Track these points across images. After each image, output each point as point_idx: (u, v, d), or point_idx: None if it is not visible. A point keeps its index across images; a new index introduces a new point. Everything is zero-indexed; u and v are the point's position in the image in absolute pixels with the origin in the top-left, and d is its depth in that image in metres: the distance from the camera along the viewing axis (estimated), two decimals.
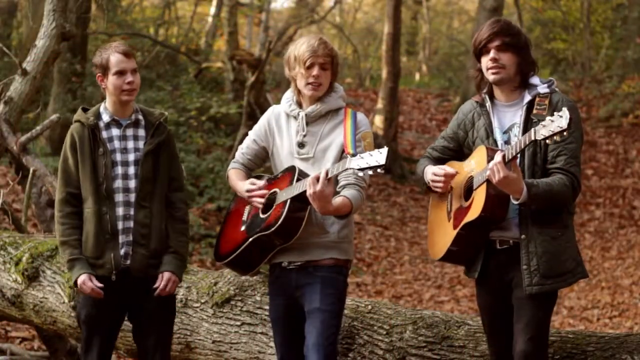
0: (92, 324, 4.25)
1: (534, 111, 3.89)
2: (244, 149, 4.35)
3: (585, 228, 13.19)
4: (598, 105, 18.43)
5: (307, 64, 4.07)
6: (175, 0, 20.37)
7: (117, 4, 16.59)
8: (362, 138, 4.11)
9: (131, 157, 4.25)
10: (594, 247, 12.40)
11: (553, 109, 3.83)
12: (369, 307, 4.64)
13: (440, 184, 4.01)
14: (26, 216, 6.47)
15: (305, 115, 4.16)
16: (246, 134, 4.42)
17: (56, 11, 6.63)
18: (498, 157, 3.70)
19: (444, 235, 4.05)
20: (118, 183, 4.22)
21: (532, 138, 3.61)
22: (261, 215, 4.14)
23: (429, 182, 4.09)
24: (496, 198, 3.80)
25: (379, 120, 15.75)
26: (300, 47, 4.10)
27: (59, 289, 5.11)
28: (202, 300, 4.86)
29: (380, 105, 16.05)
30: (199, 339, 4.83)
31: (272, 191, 4.16)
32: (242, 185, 4.22)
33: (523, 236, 3.86)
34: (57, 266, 5.20)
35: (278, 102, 4.34)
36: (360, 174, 3.79)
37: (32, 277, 5.21)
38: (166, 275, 4.21)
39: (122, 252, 4.20)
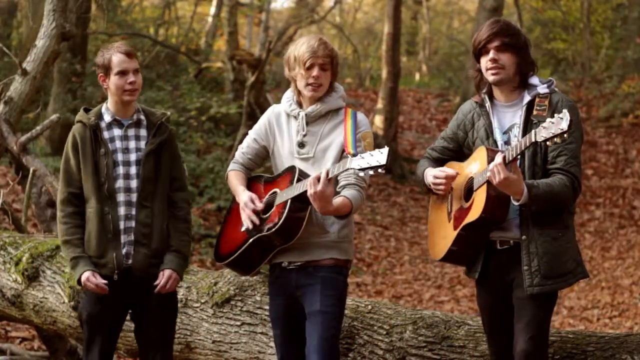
0: (93, 323, 4.26)
1: (534, 112, 3.89)
2: (244, 149, 4.34)
3: (585, 228, 13.19)
4: (598, 105, 18.43)
5: (307, 64, 4.07)
6: (175, 0, 20.37)
7: (117, 4, 16.59)
8: (362, 138, 4.10)
9: (133, 157, 4.26)
10: (594, 247, 12.40)
11: (553, 109, 3.83)
12: (369, 307, 4.64)
13: (442, 187, 4.01)
14: (26, 216, 6.47)
15: (306, 115, 4.16)
16: (246, 134, 4.42)
17: (56, 11, 6.63)
18: (498, 158, 3.70)
19: (444, 235, 4.05)
20: (120, 183, 4.22)
21: (533, 140, 3.61)
22: (261, 216, 4.14)
23: (429, 185, 4.09)
24: (496, 199, 3.80)
25: (379, 120, 15.75)
26: (300, 47, 4.10)
27: (59, 289, 5.11)
28: (202, 300, 4.86)
29: (380, 105, 16.05)
30: (199, 339, 4.83)
31: (272, 191, 4.16)
32: (242, 194, 4.21)
33: (524, 237, 3.86)
34: (57, 266, 5.20)
35: (278, 102, 4.33)
36: (361, 174, 3.78)
37: (32, 277, 5.21)
38: (167, 272, 4.22)
39: (123, 251, 4.20)
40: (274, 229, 4.01)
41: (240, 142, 4.41)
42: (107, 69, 4.24)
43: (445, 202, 4.09)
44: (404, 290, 10.92)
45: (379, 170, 3.72)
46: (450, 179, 3.99)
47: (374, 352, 4.46)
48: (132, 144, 4.28)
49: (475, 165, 3.94)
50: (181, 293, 4.88)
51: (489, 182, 3.77)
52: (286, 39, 19.94)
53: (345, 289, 4.14)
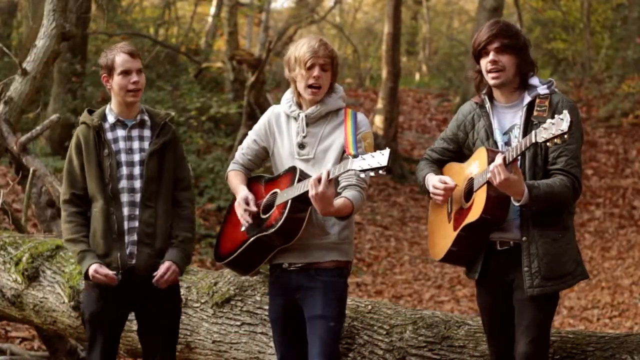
0: (96, 322, 4.26)
1: (534, 113, 3.89)
2: (244, 149, 4.34)
3: (585, 228, 13.19)
4: (598, 105, 18.43)
5: (308, 64, 4.06)
6: (175, 0, 20.37)
7: (117, 4, 16.59)
8: (363, 138, 4.10)
9: (136, 157, 4.27)
10: (594, 247, 12.40)
11: (553, 110, 3.83)
12: (369, 307, 4.64)
13: (440, 197, 4.01)
14: (26, 216, 6.47)
15: (305, 116, 4.16)
16: (246, 134, 4.42)
17: (56, 11, 6.64)
18: (499, 159, 3.70)
19: (444, 236, 4.05)
20: (123, 183, 4.23)
21: (533, 141, 3.61)
22: (262, 216, 4.14)
23: (429, 192, 4.09)
24: (496, 199, 3.80)
25: (379, 120, 15.75)
26: (301, 48, 4.10)
27: (59, 289, 5.11)
28: (202, 300, 4.86)
29: (380, 105, 16.05)
30: (199, 339, 4.83)
31: (272, 192, 4.15)
32: (240, 192, 4.21)
33: (524, 238, 3.86)
34: (57, 266, 5.20)
35: (278, 102, 4.33)
36: (362, 175, 3.78)
37: (32, 277, 5.21)
38: (166, 264, 4.21)
39: (127, 251, 4.21)
40: (274, 229, 4.01)
41: (240, 142, 4.42)
42: (110, 69, 4.25)
43: (446, 202, 4.09)
44: (404, 290, 10.92)
45: (380, 171, 3.72)
46: (448, 190, 3.99)
47: (374, 352, 4.46)
48: (135, 145, 4.28)
49: (476, 166, 3.94)
50: (181, 293, 4.87)
51: (489, 183, 3.77)
52: (286, 39, 19.95)
53: (345, 290, 4.14)
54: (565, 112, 3.55)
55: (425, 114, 19.68)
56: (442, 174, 4.14)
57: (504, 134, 3.98)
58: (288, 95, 4.26)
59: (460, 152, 4.13)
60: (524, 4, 21.15)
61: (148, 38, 16.70)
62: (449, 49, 25.10)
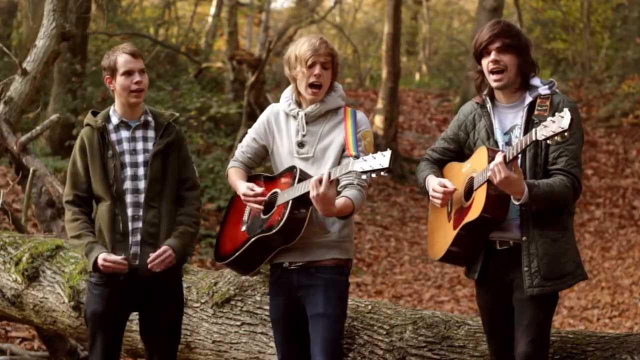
0: (97, 322, 4.26)
1: (535, 112, 3.89)
2: (244, 147, 4.34)
3: (585, 228, 13.19)
4: (598, 105, 18.43)
5: (309, 62, 4.06)
6: (175, 0, 20.37)
7: (117, 4, 16.59)
8: (363, 137, 4.10)
9: (140, 158, 4.27)
10: (594, 247, 12.40)
11: (554, 110, 3.82)
12: (369, 307, 4.64)
13: (439, 201, 4.01)
14: (26, 216, 6.47)
15: (305, 114, 4.15)
16: (246, 134, 4.42)
17: (56, 11, 6.64)
18: (499, 157, 3.70)
19: (444, 235, 4.05)
20: (127, 184, 4.24)
21: (533, 138, 3.61)
22: (262, 216, 4.13)
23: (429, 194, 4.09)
24: (496, 198, 3.80)
25: (379, 120, 15.75)
26: (302, 46, 4.10)
27: (59, 289, 5.11)
28: (202, 300, 4.86)
29: (380, 105, 16.05)
30: (199, 339, 4.83)
31: (272, 192, 4.15)
32: (241, 186, 4.22)
33: (524, 238, 3.86)
34: (57, 266, 5.20)
35: (278, 101, 4.33)
36: (364, 176, 3.78)
37: (32, 277, 5.21)
38: (163, 247, 4.19)
39: (131, 252, 4.21)
40: (275, 230, 4.00)
41: (240, 142, 4.41)
42: (113, 70, 4.25)
43: (445, 206, 4.08)
44: (404, 290, 10.92)
45: (382, 173, 3.72)
46: (447, 194, 3.99)
47: (374, 352, 4.46)
48: (139, 146, 4.29)
49: (476, 165, 3.93)
50: None
51: (489, 182, 3.77)
52: (286, 39, 19.96)
53: (346, 288, 4.15)
54: (566, 109, 3.55)
55: (425, 114, 19.68)
56: (442, 174, 4.14)
57: (505, 134, 3.98)
58: (287, 94, 4.26)
59: (461, 152, 4.13)
60: (524, 4, 21.15)
61: (148, 38, 16.70)
62: (449, 49, 25.11)
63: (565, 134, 3.52)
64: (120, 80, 4.24)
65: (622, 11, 20.15)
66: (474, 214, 3.85)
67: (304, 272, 4.09)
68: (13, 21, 16.56)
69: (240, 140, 4.42)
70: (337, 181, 4.04)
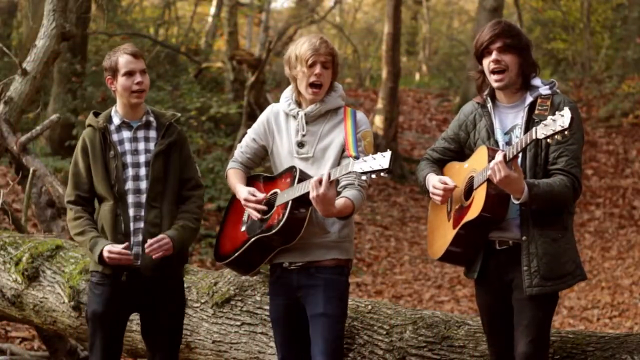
0: (98, 322, 4.26)
1: (536, 112, 3.89)
2: (243, 148, 4.34)
3: (585, 228, 13.19)
4: (598, 105, 18.43)
5: (310, 62, 4.06)
6: (175, 0, 20.37)
7: (117, 4, 16.59)
8: (362, 137, 4.10)
9: (142, 158, 4.27)
10: (594, 247, 12.40)
11: (555, 110, 3.82)
12: (369, 307, 4.64)
13: (439, 198, 4.01)
14: (26, 216, 6.47)
15: (305, 114, 4.15)
16: (246, 134, 4.42)
17: (56, 11, 6.64)
18: (499, 156, 3.70)
19: (443, 234, 4.05)
20: (129, 185, 4.24)
21: (534, 137, 3.61)
22: (262, 217, 4.13)
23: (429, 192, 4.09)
24: (496, 197, 3.80)
25: (379, 120, 15.75)
26: (302, 46, 4.10)
27: (59, 289, 5.11)
28: (202, 300, 4.86)
29: (380, 105, 16.05)
30: (199, 339, 4.83)
31: (272, 192, 4.15)
32: (241, 190, 4.21)
33: (524, 237, 3.86)
34: (57, 266, 5.20)
35: (278, 102, 4.33)
36: (364, 177, 3.78)
37: (32, 277, 5.21)
38: (160, 235, 4.18)
39: (133, 252, 4.21)
40: (275, 230, 4.00)
41: (240, 142, 4.41)
42: (114, 71, 4.26)
43: (445, 203, 4.09)
44: (404, 290, 10.92)
45: (382, 174, 3.72)
46: (448, 191, 3.99)
47: (374, 352, 4.46)
48: (141, 146, 4.29)
49: (476, 165, 3.94)
50: None
51: (489, 181, 3.77)
52: (286, 39, 19.96)
53: (346, 288, 4.15)
54: (566, 108, 3.55)
55: (425, 114, 19.69)
56: (442, 173, 4.14)
57: (506, 133, 3.98)
58: (287, 94, 4.25)
59: (461, 152, 4.13)
60: (524, 4, 21.15)
61: (148, 38, 16.70)
62: (449, 49, 25.12)
63: (566, 132, 3.52)
64: (121, 80, 4.24)
65: (622, 11, 20.15)
66: (473, 213, 3.85)
67: (304, 272, 4.09)
68: (13, 21, 16.57)
69: (240, 140, 4.42)
70: (337, 181, 4.04)
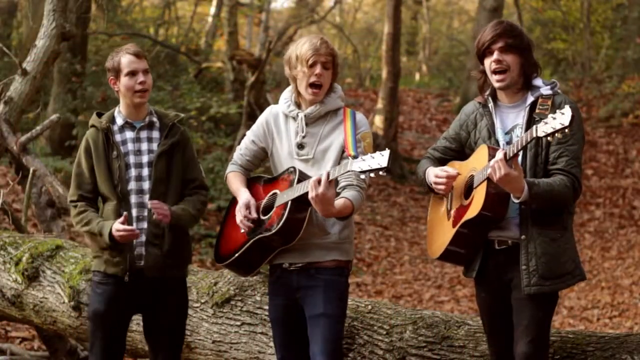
0: (98, 321, 4.26)
1: (537, 111, 3.89)
2: (243, 150, 4.33)
3: (585, 228, 13.19)
4: (598, 105, 18.43)
5: (310, 62, 4.06)
6: (175, 0, 20.37)
7: (117, 4, 16.59)
8: (362, 138, 4.10)
9: (145, 158, 4.27)
10: (594, 247, 12.40)
11: (555, 110, 3.82)
12: (369, 307, 4.64)
13: (442, 186, 4.00)
14: (26, 216, 6.47)
15: (305, 116, 4.15)
16: (245, 136, 4.42)
17: (56, 11, 6.64)
18: (499, 154, 3.70)
19: (443, 233, 4.05)
20: (132, 185, 4.24)
21: (534, 135, 3.61)
22: (261, 217, 4.13)
23: (430, 184, 4.08)
24: (496, 196, 3.80)
25: (379, 120, 15.75)
26: (303, 46, 4.10)
27: (59, 289, 5.11)
28: (202, 300, 4.86)
29: (380, 105, 16.05)
30: (199, 339, 4.83)
31: (272, 192, 4.15)
32: (242, 196, 4.19)
33: (523, 236, 3.86)
34: (57, 266, 5.20)
35: (278, 102, 4.33)
36: (362, 176, 3.78)
37: (32, 277, 5.21)
38: (165, 204, 4.17)
39: (135, 252, 4.21)
40: (274, 231, 4.00)
41: (240, 142, 4.41)
42: (117, 71, 4.26)
43: (445, 200, 4.09)
44: (404, 290, 10.92)
45: (380, 172, 3.72)
46: (451, 178, 3.98)
47: (374, 352, 4.46)
48: (144, 146, 4.29)
49: (476, 163, 3.94)
50: None
51: (489, 179, 3.77)
52: (286, 39, 19.97)
53: (346, 289, 4.14)
54: (567, 107, 3.55)
55: (425, 114, 19.68)
56: None
57: (506, 133, 3.98)
58: (286, 95, 4.25)
59: (462, 151, 4.13)
60: (524, 4, 21.16)
61: (148, 38, 16.70)
62: (449, 49, 25.13)
63: (566, 130, 3.52)
64: (124, 80, 4.24)
65: (622, 11, 20.16)
66: (473, 211, 3.85)
67: (304, 273, 4.09)
68: (13, 21, 16.56)
69: (240, 141, 4.41)
70: (336, 182, 4.04)
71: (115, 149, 4.26)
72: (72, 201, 4.32)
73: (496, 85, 3.95)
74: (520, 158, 3.83)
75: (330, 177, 3.85)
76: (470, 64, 16.96)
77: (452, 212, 4.01)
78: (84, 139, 4.34)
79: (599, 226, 13.31)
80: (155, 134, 4.32)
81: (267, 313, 4.53)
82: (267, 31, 21.40)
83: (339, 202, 3.94)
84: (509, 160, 3.70)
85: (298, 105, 4.20)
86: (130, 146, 4.28)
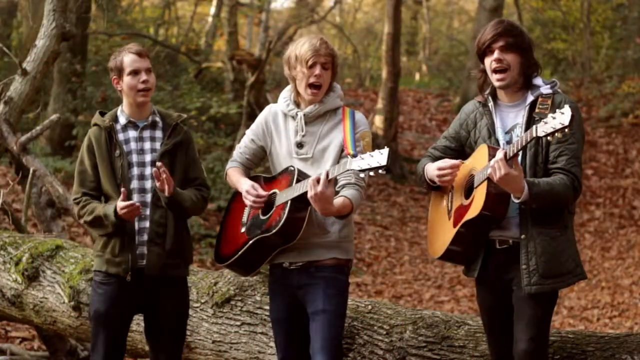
0: (99, 321, 4.26)
1: (536, 110, 3.89)
2: (242, 149, 4.34)
3: (585, 228, 13.19)
4: (598, 105, 18.43)
5: (310, 63, 4.06)
6: (175, 0, 20.37)
7: (117, 4, 16.58)
8: (361, 137, 4.10)
9: (147, 158, 4.28)
10: (594, 247, 12.40)
11: (555, 109, 3.82)
12: (369, 307, 4.64)
13: (448, 177, 3.99)
14: (26, 216, 6.47)
15: (304, 115, 4.15)
16: (244, 135, 4.42)
17: (56, 11, 6.64)
18: (500, 154, 3.70)
19: (443, 233, 4.05)
20: (134, 184, 4.24)
21: (534, 135, 3.61)
22: (261, 217, 4.13)
23: (432, 179, 4.07)
24: (497, 196, 3.80)
25: (379, 120, 15.75)
26: (302, 46, 4.10)
27: (59, 289, 5.11)
28: (202, 300, 4.86)
29: (380, 105, 16.05)
30: (199, 339, 4.83)
31: (271, 192, 4.15)
32: (243, 183, 4.20)
33: (523, 236, 3.86)
34: (57, 266, 5.20)
35: (277, 102, 4.32)
36: (362, 175, 3.78)
37: (32, 277, 5.21)
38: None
39: (137, 252, 4.21)
40: (274, 230, 4.00)
41: (240, 142, 4.41)
42: (120, 70, 4.26)
43: (446, 200, 4.09)
44: (404, 290, 10.92)
45: (380, 171, 3.71)
46: (455, 168, 3.97)
47: (374, 352, 4.46)
48: (147, 145, 4.29)
49: (476, 163, 3.93)
50: None
51: (489, 179, 3.77)
52: (286, 39, 19.94)
53: (346, 288, 4.15)
54: (567, 106, 3.55)
55: (425, 114, 19.68)
56: None
57: (506, 132, 3.97)
58: (286, 94, 4.25)
59: (462, 150, 4.13)
60: (524, 4, 21.16)
61: (148, 38, 16.69)
62: (449, 49, 25.12)
63: (566, 130, 3.52)
64: (127, 80, 4.25)
65: (622, 11, 20.16)
66: (474, 211, 3.85)
67: (304, 272, 4.09)
68: (13, 21, 16.56)
69: (240, 141, 4.42)
70: (336, 181, 4.04)
71: (118, 147, 4.26)
72: (75, 199, 4.32)
73: (496, 84, 3.95)
74: (520, 157, 3.83)
75: (330, 176, 3.85)
76: (470, 63, 16.95)
77: (453, 211, 4.01)
78: (87, 137, 4.34)
79: (599, 226, 13.31)
80: (158, 134, 4.33)
81: (267, 313, 4.53)
82: (267, 31, 21.40)
83: (338, 200, 3.94)
84: (509, 160, 3.70)
85: (297, 105, 4.20)
86: (133, 145, 4.29)
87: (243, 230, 4.21)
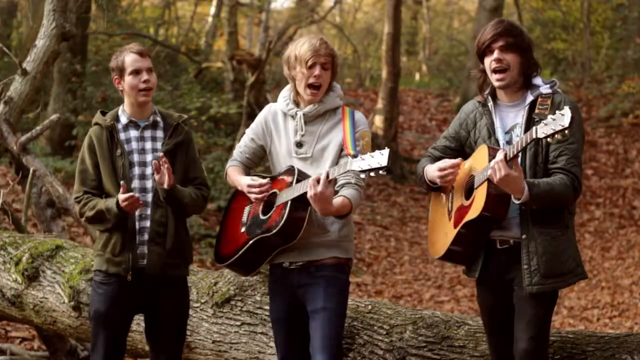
0: (100, 321, 4.26)
1: (536, 110, 3.89)
2: (242, 148, 4.34)
3: (585, 228, 13.19)
4: (598, 105, 18.42)
5: (309, 63, 4.06)
6: (175, 0, 20.37)
7: (117, 4, 16.58)
8: (361, 137, 4.10)
9: (149, 157, 4.28)
10: (594, 247, 12.40)
11: (555, 109, 3.82)
12: (369, 307, 4.64)
13: (450, 176, 3.99)
14: (26, 216, 6.47)
15: (304, 114, 4.15)
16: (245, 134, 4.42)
17: (56, 11, 6.64)
18: (500, 155, 3.70)
19: (444, 234, 4.05)
20: (135, 183, 4.25)
21: (534, 136, 3.61)
22: (261, 217, 4.13)
23: (432, 180, 4.07)
24: (497, 197, 3.80)
25: (379, 120, 15.75)
26: (302, 46, 4.09)
27: (59, 289, 5.11)
28: (202, 300, 4.86)
29: (380, 105, 16.05)
30: (199, 339, 4.83)
31: (271, 192, 4.15)
32: (243, 179, 4.21)
33: (524, 236, 3.86)
34: (57, 266, 5.20)
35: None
36: (362, 175, 3.78)
37: (32, 277, 5.21)
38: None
39: (138, 251, 4.21)
40: (275, 230, 4.00)
41: (240, 142, 4.41)
42: (121, 70, 4.27)
43: (446, 200, 4.09)
44: (404, 290, 10.92)
45: (380, 172, 3.71)
46: (456, 166, 3.97)
47: (374, 352, 4.46)
48: (148, 145, 4.30)
49: (476, 164, 3.93)
50: None
51: (489, 180, 3.77)
52: (286, 39, 19.94)
53: (347, 287, 4.15)
54: (566, 107, 3.55)
55: (425, 114, 19.68)
56: None
57: (506, 132, 3.97)
58: (285, 93, 4.25)
59: (462, 150, 4.13)
60: (524, 4, 21.16)
61: (148, 38, 16.69)
62: (449, 49, 25.12)
63: (566, 131, 3.52)
64: (128, 79, 4.25)
65: (622, 11, 20.16)
66: (474, 212, 3.85)
67: (304, 271, 4.09)
68: (13, 21, 16.56)
69: (240, 140, 4.42)
70: (335, 181, 4.04)
71: (119, 147, 4.26)
72: (76, 197, 4.32)
73: (496, 84, 3.95)
74: (519, 157, 3.83)
75: (330, 177, 3.85)
76: (470, 63, 16.95)
77: (453, 212, 4.01)
78: (87, 136, 4.34)
79: (599, 226, 13.31)
80: (160, 134, 4.33)
81: (267, 313, 4.53)
82: (267, 31, 21.41)
83: (337, 200, 3.94)
84: (509, 161, 3.70)
85: (297, 104, 4.20)
86: (134, 145, 4.29)
87: (243, 230, 4.21)
